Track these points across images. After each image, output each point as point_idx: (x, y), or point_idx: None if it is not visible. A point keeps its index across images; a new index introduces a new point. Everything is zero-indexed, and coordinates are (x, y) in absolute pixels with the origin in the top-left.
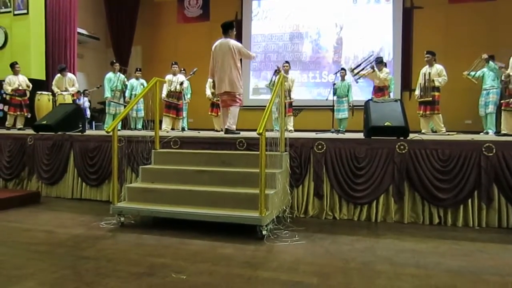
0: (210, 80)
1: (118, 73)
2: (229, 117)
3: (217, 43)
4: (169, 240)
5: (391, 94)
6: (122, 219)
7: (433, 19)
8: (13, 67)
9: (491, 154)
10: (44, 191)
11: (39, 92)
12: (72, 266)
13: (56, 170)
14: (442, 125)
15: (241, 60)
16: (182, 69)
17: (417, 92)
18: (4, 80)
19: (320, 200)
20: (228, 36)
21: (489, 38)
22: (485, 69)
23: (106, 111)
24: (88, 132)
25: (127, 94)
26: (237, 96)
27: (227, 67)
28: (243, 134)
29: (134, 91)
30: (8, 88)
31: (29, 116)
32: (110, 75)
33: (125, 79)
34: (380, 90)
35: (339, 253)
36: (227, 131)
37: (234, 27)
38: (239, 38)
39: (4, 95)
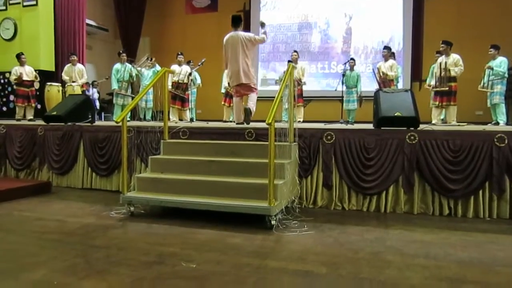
0: (226, 70)
1: (125, 63)
2: (249, 101)
3: (227, 36)
4: (178, 229)
5: (399, 85)
6: (132, 208)
7: (444, 9)
8: (19, 58)
9: (503, 145)
10: (55, 181)
11: (49, 83)
12: (83, 254)
13: (66, 160)
14: (454, 117)
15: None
16: (190, 61)
17: (432, 82)
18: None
19: (329, 191)
20: (238, 28)
21: (502, 29)
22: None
23: (114, 101)
24: (97, 123)
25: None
26: (252, 86)
27: (240, 60)
28: (252, 124)
29: (145, 80)
30: (13, 78)
31: (39, 106)
32: (117, 66)
33: (132, 69)
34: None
35: (348, 243)
36: (246, 110)
37: (242, 20)
38: (247, 28)
39: (14, 86)
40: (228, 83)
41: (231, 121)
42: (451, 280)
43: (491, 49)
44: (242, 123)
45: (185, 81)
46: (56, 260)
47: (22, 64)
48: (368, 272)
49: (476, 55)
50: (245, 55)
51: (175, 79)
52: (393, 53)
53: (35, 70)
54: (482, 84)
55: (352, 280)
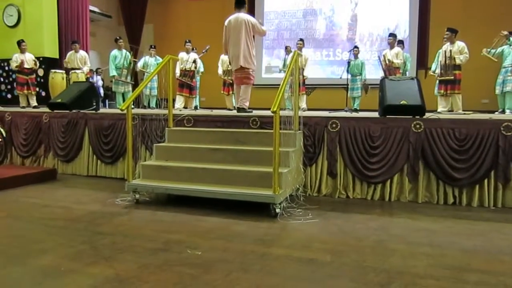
0: (222, 57)
1: (123, 50)
2: (241, 95)
3: (231, 17)
4: (183, 217)
5: (408, 73)
6: (137, 196)
7: None
8: (20, 45)
9: (509, 134)
10: (60, 168)
11: (53, 71)
12: (89, 241)
13: (71, 148)
14: (460, 105)
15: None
16: (193, 48)
17: (437, 70)
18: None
19: (334, 179)
20: (242, 10)
21: (511, 15)
22: (505, 47)
23: (114, 89)
24: (101, 110)
25: (139, 64)
26: (250, 73)
27: (242, 42)
28: (257, 112)
29: (149, 68)
30: (14, 65)
31: (43, 94)
32: (115, 52)
33: (131, 56)
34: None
35: (353, 231)
36: (239, 109)
37: (245, 1)
38: (251, 15)
39: (15, 74)
40: (224, 71)
41: (234, 108)
42: (456, 269)
43: None
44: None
45: (192, 68)
46: (63, 246)
47: (22, 51)
48: (372, 260)
49: (483, 43)
50: (248, 38)
51: (182, 66)
52: (402, 41)
53: (37, 58)
54: (489, 50)
55: (357, 268)
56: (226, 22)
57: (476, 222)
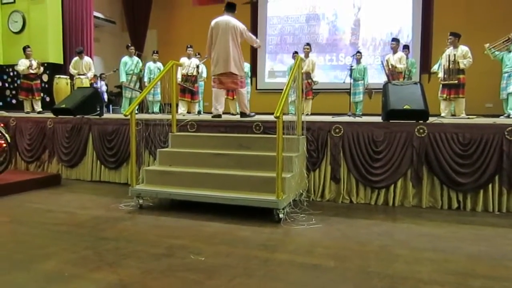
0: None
1: (134, 56)
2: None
3: (218, 19)
4: (187, 222)
5: (414, 77)
6: (141, 201)
7: (453, 0)
8: (25, 51)
9: None
10: (64, 173)
11: (57, 76)
12: (93, 246)
13: (75, 153)
14: (463, 109)
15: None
16: (197, 53)
17: (440, 74)
18: (17, 64)
19: (337, 184)
20: (230, 14)
21: None
22: (504, 52)
23: (123, 94)
24: (105, 115)
25: (145, 77)
26: (239, 79)
27: (230, 47)
28: (260, 117)
29: (152, 74)
30: (21, 69)
31: (47, 99)
32: (125, 58)
33: (141, 63)
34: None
35: (356, 236)
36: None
37: (236, 8)
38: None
39: (20, 79)
40: None
41: (238, 113)
42: (460, 274)
43: None
44: (219, 116)
45: (194, 73)
46: (67, 251)
47: (27, 57)
48: (376, 266)
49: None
50: (236, 44)
51: (184, 72)
52: (408, 46)
53: (42, 63)
54: (491, 47)
55: (360, 274)
56: (212, 23)
57: (481, 227)
